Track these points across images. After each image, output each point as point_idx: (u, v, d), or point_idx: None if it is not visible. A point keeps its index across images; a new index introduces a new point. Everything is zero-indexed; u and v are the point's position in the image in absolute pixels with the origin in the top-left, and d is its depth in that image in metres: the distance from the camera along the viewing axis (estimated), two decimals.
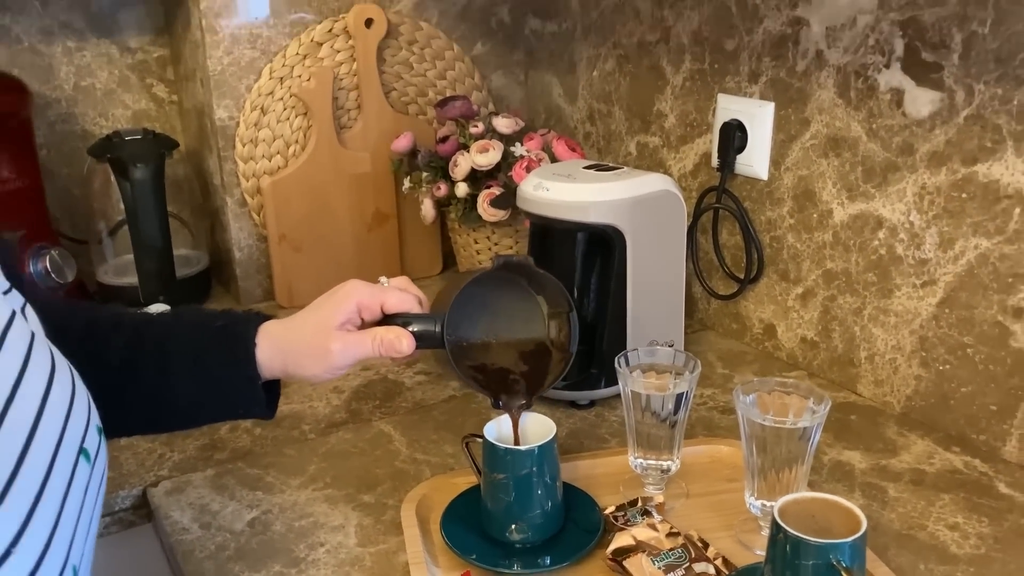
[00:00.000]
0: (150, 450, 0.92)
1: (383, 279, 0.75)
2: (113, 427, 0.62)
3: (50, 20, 1.29)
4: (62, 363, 0.56)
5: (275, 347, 0.70)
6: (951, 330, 0.88)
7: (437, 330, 0.70)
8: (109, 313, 0.73)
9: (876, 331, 0.96)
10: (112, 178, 1.24)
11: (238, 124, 1.24)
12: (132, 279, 1.25)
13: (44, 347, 0.54)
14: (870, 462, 0.86)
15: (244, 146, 1.24)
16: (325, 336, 0.70)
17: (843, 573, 0.56)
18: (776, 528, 0.59)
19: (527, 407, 0.74)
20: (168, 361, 0.70)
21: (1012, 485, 0.82)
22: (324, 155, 1.26)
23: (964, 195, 0.85)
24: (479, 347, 0.75)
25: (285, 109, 1.25)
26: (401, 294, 0.71)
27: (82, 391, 0.56)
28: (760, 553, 0.72)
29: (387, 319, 0.72)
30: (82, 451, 0.53)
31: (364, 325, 0.72)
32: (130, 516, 0.87)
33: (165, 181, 1.23)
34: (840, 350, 1.01)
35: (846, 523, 0.59)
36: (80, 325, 0.70)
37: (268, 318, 0.73)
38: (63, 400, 0.53)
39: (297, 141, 1.27)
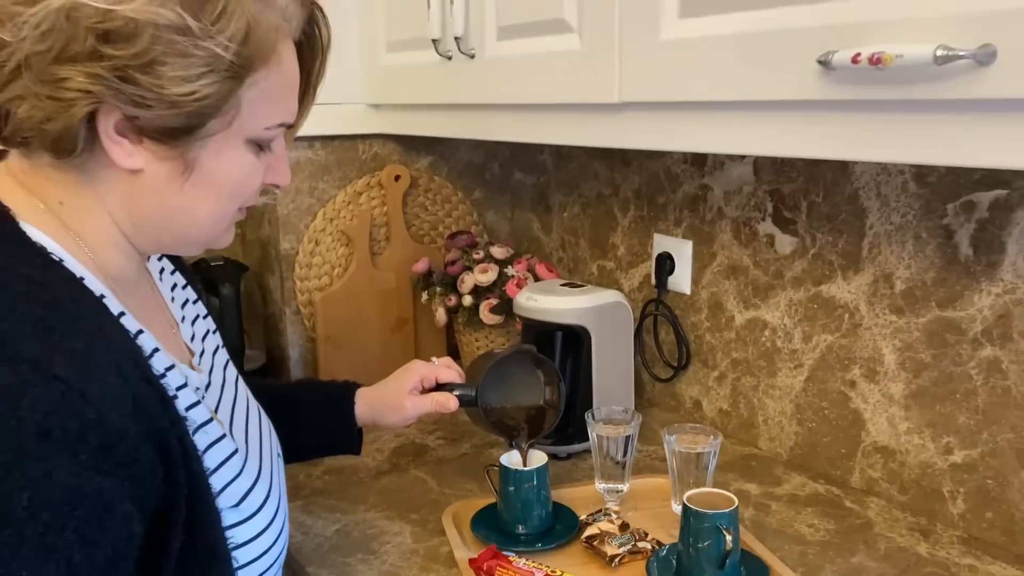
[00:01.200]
0: None
1: (435, 359, 1.13)
2: None
3: None
4: None
5: (366, 405, 1.09)
6: (814, 398, 1.29)
7: (473, 395, 1.09)
8: (254, 380, 1.11)
9: (768, 402, 1.36)
10: None
11: (297, 252, 1.64)
12: None
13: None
14: (762, 490, 1.25)
15: (301, 269, 1.64)
16: (400, 397, 1.08)
17: (724, 531, 0.94)
18: (685, 508, 0.97)
19: (531, 446, 1.12)
20: (296, 415, 1.08)
21: (854, 502, 1.20)
22: (362, 275, 1.66)
23: (815, 306, 1.27)
24: (500, 408, 1.14)
25: (333, 241, 1.66)
26: (448, 370, 1.10)
27: None
28: None
29: (439, 386, 1.10)
30: (278, 454, 0.91)
31: (424, 390, 1.11)
32: None
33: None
34: (745, 416, 1.41)
35: (727, 504, 0.98)
36: None
37: (360, 385, 1.11)
38: (268, 425, 0.91)
39: (341, 264, 1.67)
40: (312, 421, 1.08)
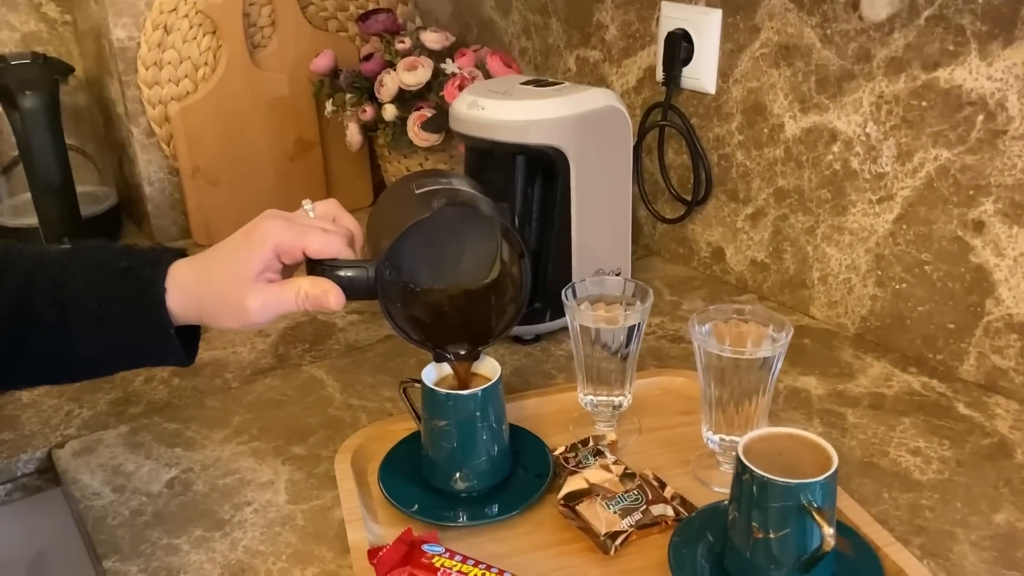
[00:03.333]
0: (55, 407, 0.84)
1: (307, 204, 0.67)
2: (9, 380, 0.55)
3: None
4: None
5: (187, 296, 0.62)
6: (908, 247, 0.84)
7: (371, 277, 0.63)
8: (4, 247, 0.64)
9: (830, 250, 0.92)
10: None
11: (139, 45, 1.12)
12: (32, 220, 1.14)
13: None
14: (827, 387, 0.83)
15: (147, 69, 1.13)
16: (241, 289, 0.62)
17: (814, 514, 0.52)
18: (742, 468, 0.55)
19: (473, 359, 0.67)
20: (66, 309, 0.62)
21: (971, 405, 0.79)
22: (237, 78, 1.16)
23: (924, 103, 0.80)
24: (419, 296, 0.68)
25: (191, 27, 1.13)
26: (326, 237, 0.63)
27: None
28: (718, 490, 0.68)
29: (312, 263, 0.64)
30: None
31: (286, 269, 0.65)
32: (35, 481, 0.79)
33: (62, 111, 1.12)
34: (792, 271, 0.97)
35: (815, 459, 0.55)
36: None
37: (178, 255, 0.64)
38: None
39: (206, 63, 1.16)
40: (94, 322, 0.62)
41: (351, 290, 0.63)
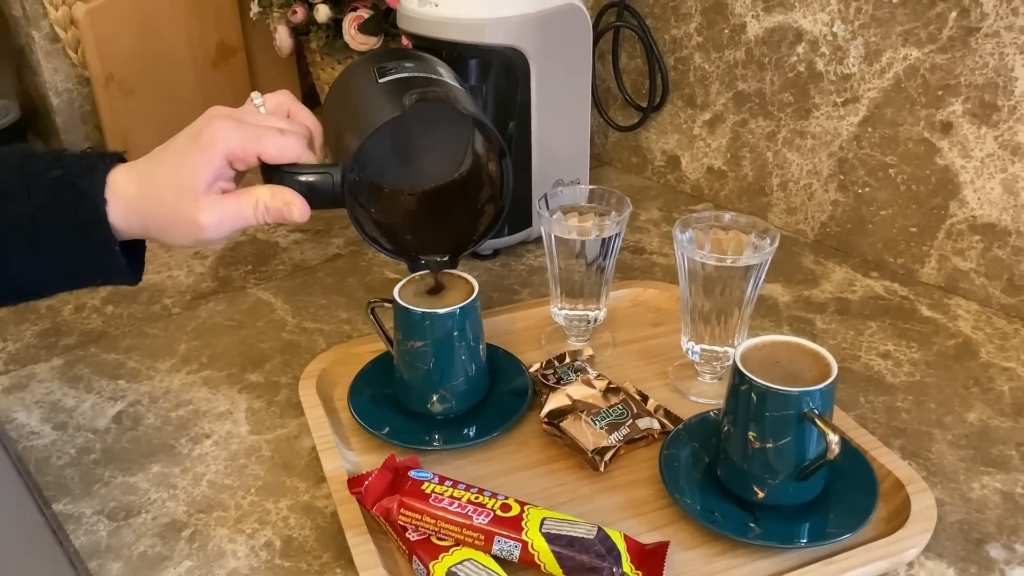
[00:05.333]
0: None
1: (256, 98, 0.60)
2: None
3: None
4: None
5: (130, 211, 0.56)
6: (873, 150, 0.83)
7: (336, 184, 0.58)
8: None
9: (791, 155, 0.90)
10: None
11: None
12: None
13: None
14: (792, 294, 0.82)
15: None
16: (191, 203, 0.56)
17: (818, 422, 0.51)
18: (740, 378, 0.53)
19: (451, 267, 0.63)
20: None
21: (933, 307, 0.80)
22: None
23: (895, 0, 0.77)
24: (390, 200, 0.64)
25: None
26: (283, 139, 0.57)
27: None
28: (697, 400, 0.67)
29: (269, 169, 0.58)
30: None
31: (238, 175, 0.59)
32: None
33: None
34: (750, 178, 0.95)
35: (813, 367, 0.54)
36: None
37: (116, 159, 0.57)
38: None
39: None
40: (26, 240, 0.55)
41: (315, 198, 0.57)
